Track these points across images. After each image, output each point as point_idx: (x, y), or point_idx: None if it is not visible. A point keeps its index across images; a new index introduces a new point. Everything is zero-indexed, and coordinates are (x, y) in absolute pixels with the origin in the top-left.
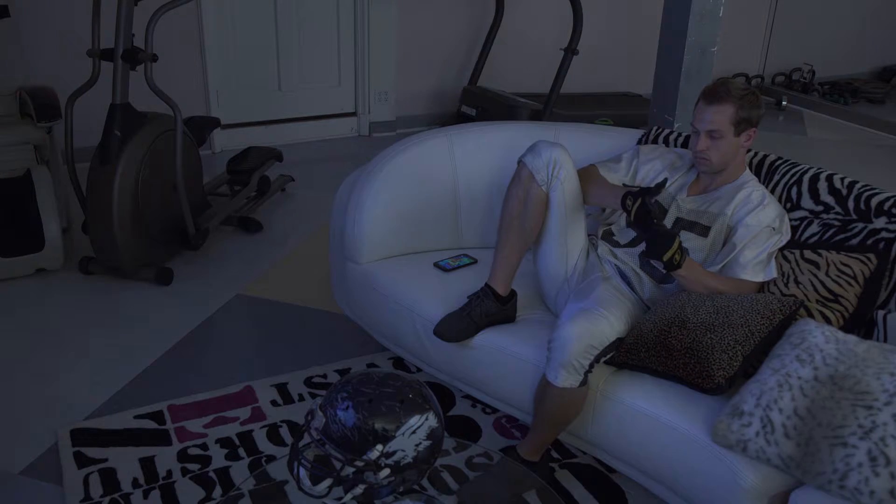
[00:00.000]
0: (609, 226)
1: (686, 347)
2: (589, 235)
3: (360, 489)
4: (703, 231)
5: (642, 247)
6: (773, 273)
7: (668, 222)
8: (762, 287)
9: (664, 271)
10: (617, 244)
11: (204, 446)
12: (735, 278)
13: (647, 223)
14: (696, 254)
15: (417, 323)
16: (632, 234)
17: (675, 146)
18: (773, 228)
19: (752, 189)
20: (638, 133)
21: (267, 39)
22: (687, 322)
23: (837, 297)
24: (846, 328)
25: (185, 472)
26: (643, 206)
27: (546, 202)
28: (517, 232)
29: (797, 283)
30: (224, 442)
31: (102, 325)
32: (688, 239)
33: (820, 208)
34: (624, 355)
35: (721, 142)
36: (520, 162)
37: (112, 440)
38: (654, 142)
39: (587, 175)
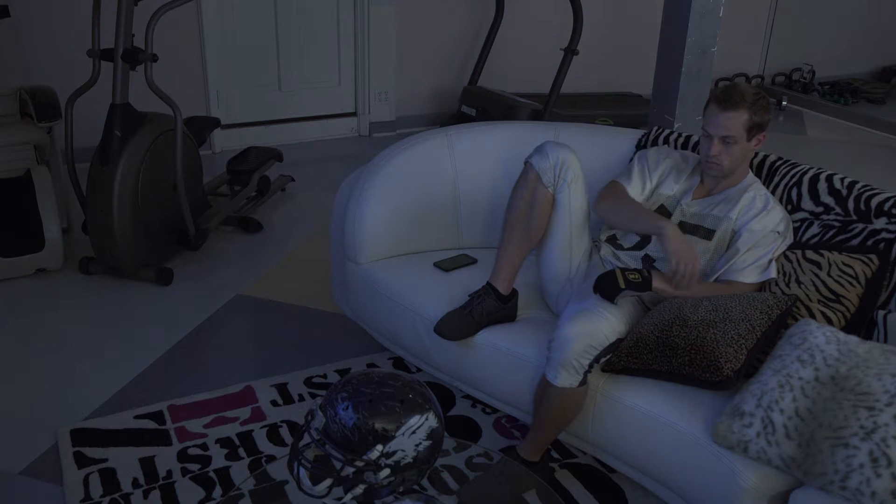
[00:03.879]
0: (613, 229)
1: (690, 344)
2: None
3: (360, 489)
4: (707, 234)
5: (647, 249)
6: (771, 274)
7: None
8: (762, 286)
9: (642, 292)
10: (620, 247)
11: (204, 446)
12: (728, 282)
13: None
14: (700, 257)
15: (417, 323)
16: (635, 237)
17: (676, 146)
18: (778, 233)
19: (756, 192)
20: (638, 133)
21: (267, 39)
22: (688, 320)
23: (839, 297)
24: (848, 328)
25: (185, 472)
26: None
27: (552, 203)
28: (521, 232)
29: (799, 282)
30: (224, 442)
31: (102, 325)
32: (692, 242)
33: (820, 209)
34: (626, 359)
35: (734, 147)
36: (526, 163)
37: (112, 440)
38: (655, 142)
39: (614, 193)
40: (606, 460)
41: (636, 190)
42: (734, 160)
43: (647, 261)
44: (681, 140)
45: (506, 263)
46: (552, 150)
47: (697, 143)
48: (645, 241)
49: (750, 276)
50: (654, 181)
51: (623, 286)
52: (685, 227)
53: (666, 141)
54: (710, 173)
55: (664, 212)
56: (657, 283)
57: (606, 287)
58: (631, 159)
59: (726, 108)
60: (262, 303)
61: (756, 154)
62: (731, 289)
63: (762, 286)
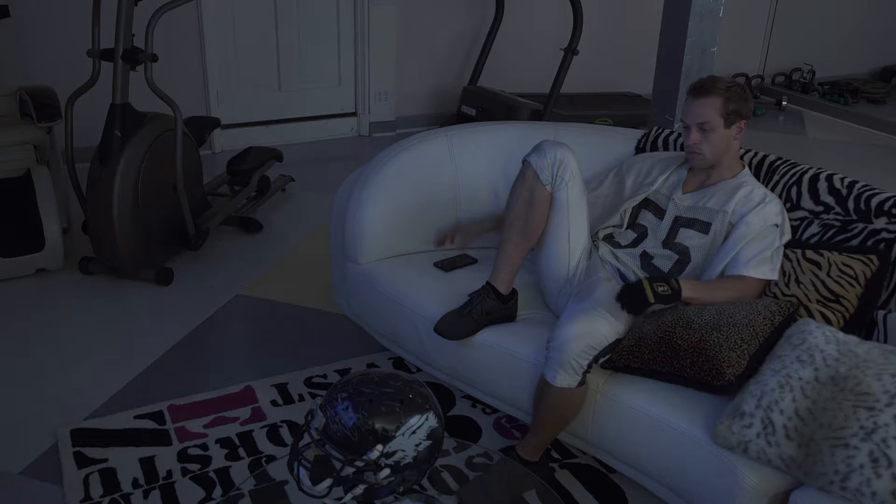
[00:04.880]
0: (610, 228)
1: (693, 347)
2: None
3: (360, 489)
4: (704, 228)
5: (643, 246)
6: (775, 273)
7: (668, 221)
8: (763, 290)
9: (671, 303)
10: (618, 245)
11: (204, 446)
12: (737, 276)
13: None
14: (697, 251)
15: (417, 323)
16: (633, 235)
17: (675, 147)
18: (776, 225)
19: (752, 187)
20: (638, 133)
21: (267, 39)
22: (691, 323)
23: (839, 297)
24: (847, 329)
25: (185, 472)
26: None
27: (550, 202)
28: (520, 231)
29: (798, 282)
30: (224, 442)
31: (102, 325)
32: (688, 237)
33: (820, 208)
34: (626, 358)
35: (712, 134)
36: (524, 161)
37: (112, 440)
38: (654, 142)
39: None
40: (606, 460)
41: (596, 192)
42: (714, 148)
43: (645, 258)
44: (680, 140)
45: (505, 263)
46: (550, 149)
47: None
48: (641, 238)
49: (757, 270)
50: (624, 182)
51: (652, 300)
52: (681, 222)
53: (666, 140)
54: (694, 163)
55: (653, 206)
56: (687, 293)
57: (634, 301)
58: None
59: (699, 95)
60: (262, 303)
61: (756, 154)
62: (742, 285)
63: (764, 290)
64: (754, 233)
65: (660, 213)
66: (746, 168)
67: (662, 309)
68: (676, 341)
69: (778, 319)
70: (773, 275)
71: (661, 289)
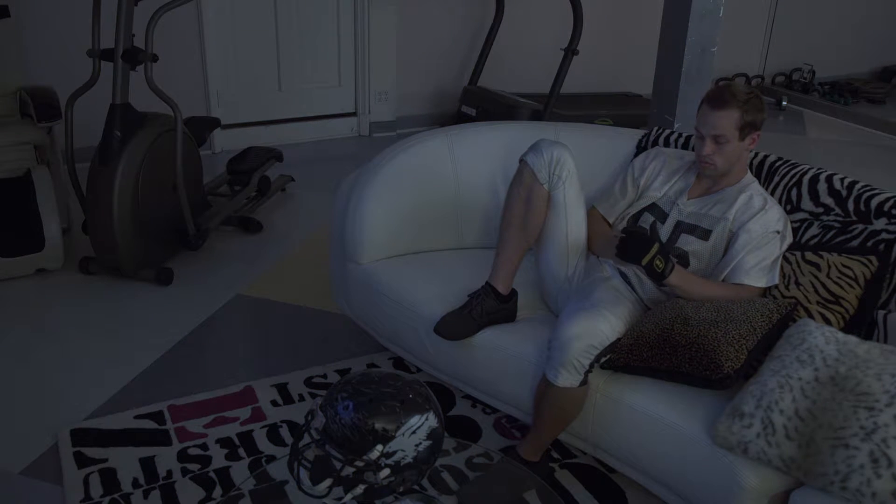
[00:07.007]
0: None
1: (691, 342)
2: None
3: (360, 489)
4: (704, 235)
5: None
6: (775, 279)
7: (669, 225)
8: (764, 292)
9: (649, 278)
10: None
11: (204, 446)
12: (736, 283)
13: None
14: (696, 257)
15: (417, 323)
16: None
17: (676, 146)
18: (777, 232)
19: (753, 193)
20: (638, 133)
21: (267, 39)
22: (689, 320)
23: (838, 298)
24: (846, 330)
25: (185, 472)
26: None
27: (548, 201)
28: (519, 231)
29: (798, 284)
30: (224, 442)
31: (102, 325)
32: (689, 242)
33: (820, 210)
34: (626, 356)
35: (726, 146)
36: (521, 161)
37: (112, 440)
38: (655, 142)
39: (592, 230)
40: (606, 460)
41: (617, 207)
42: (728, 159)
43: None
44: (681, 140)
45: (504, 263)
46: (547, 148)
47: None
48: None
49: (759, 280)
50: (640, 185)
51: (643, 263)
52: (682, 227)
53: (666, 141)
54: (705, 173)
55: (657, 210)
56: (672, 279)
57: (634, 249)
58: None
59: (717, 107)
60: (262, 303)
61: (756, 154)
62: (739, 290)
63: (766, 292)
64: (755, 240)
65: (663, 217)
66: (749, 173)
67: (661, 306)
68: (675, 338)
69: (776, 317)
70: (773, 282)
71: (657, 262)
